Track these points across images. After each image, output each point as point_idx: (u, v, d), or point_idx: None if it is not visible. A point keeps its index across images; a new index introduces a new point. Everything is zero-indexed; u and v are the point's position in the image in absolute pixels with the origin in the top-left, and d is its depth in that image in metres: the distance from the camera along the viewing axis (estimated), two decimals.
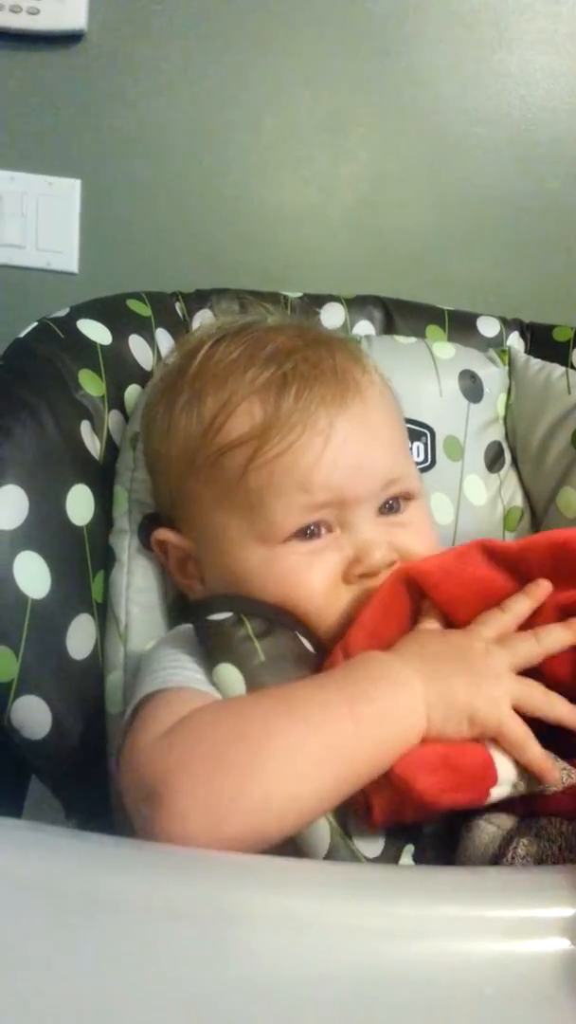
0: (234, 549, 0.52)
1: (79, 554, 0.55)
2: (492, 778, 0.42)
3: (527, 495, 0.73)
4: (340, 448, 0.51)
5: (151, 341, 0.68)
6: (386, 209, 1.00)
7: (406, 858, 0.44)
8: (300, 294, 0.78)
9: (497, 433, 0.74)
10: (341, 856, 0.41)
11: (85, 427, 0.59)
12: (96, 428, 0.61)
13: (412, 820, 0.44)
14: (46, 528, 0.53)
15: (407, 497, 0.55)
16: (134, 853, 0.38)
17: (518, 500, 0.73)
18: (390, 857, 0.44)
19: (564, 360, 0.75)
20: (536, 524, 0.72)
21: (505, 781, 0.42)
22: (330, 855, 0.41)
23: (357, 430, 0.52)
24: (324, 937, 0.33)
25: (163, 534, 0.56)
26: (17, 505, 0.51)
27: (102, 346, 0.63)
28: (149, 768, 0.39)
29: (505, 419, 0.75)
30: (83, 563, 0.56)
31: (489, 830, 0.43)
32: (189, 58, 0.96)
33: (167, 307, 0.73)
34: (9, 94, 0.97)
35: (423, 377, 0.71)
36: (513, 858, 0.41)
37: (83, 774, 0.51)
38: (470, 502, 0.70)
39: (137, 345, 0.67)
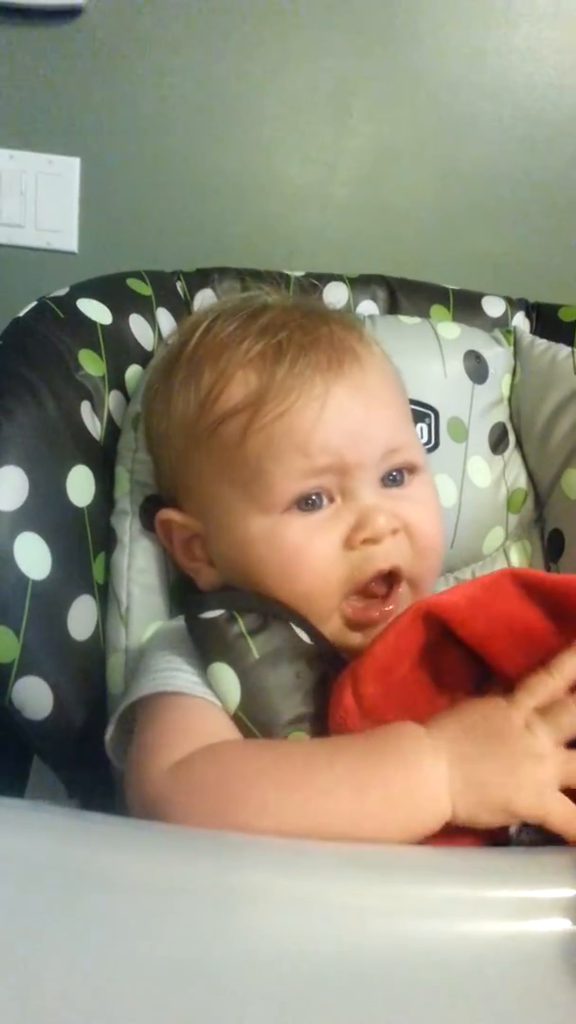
0: (236, 521, 0.52)
1: (80, 535, 0.55)
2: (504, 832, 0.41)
3: (531, 477, 0.73)
4: (338, 412, 0.50)
5: (152, 321, 0.68)
6: (390, 186, 0.99)
7: None
8: (303, 273, 0.77)
9: (501, 414, 0.73)
10: None
11: (86, 407, 0.59)
12: (96, 408, 0.60)
13: None
14: (47, 509, 0.53)
15: (411, 469, 0.54)
16: (136, 832, 0.38)
17: (522, 482, 0.72)
18: None
19: (570, 340, 0.74)
20: (540, 506, 0.72)
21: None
22: None
23: (355, 394, 0.51)
24: (327, 916, 0.33)
25: (167, 514, 0.56)
26: (17, 486, 0.51)
27: (102, 326, 0.63)
28: (158, 803, 0.41)
29: (510, 400, 0.74)
30: (84, 544, 0.55)
31: None
32: (190, 33, 0.94)
33: (168, 286, 0.72)
34: (6, 70, 0.95)
35: (427, 357, 0.70)
36: (518, 839, 0.41)
37: (85, 754, 0.51)
38: (474, 484, 0.70)
39: (138, 324, 0.66)
